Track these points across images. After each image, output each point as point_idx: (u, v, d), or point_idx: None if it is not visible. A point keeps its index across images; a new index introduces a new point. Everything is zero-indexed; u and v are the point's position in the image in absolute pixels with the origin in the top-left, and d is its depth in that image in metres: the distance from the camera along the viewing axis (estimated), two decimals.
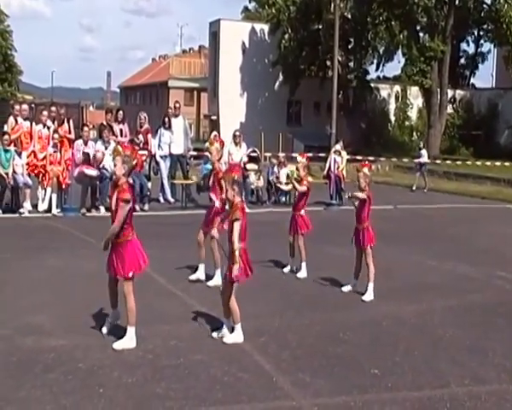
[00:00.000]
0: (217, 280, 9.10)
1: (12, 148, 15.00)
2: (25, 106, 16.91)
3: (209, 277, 9.32)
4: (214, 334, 7.05)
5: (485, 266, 11.28)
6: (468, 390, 5.86)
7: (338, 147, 19.99)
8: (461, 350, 6.91)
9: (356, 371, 6.22)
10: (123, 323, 6.81)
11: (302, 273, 9.90)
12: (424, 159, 24.76)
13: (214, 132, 19.14)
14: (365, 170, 9.03)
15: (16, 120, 16.03)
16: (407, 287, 9.60)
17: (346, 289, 9.13)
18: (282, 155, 22.46)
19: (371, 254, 8.97)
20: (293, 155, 23.44)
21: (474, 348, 6.99)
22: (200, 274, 9.45)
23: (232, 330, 7.01)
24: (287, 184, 13.35)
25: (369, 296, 8.79)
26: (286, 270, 10.17)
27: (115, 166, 6.63)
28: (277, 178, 18.84)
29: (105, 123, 17.21)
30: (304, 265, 9.92)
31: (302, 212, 10.08)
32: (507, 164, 28.41)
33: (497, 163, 28.89)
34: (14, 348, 6.42)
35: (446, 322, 7.89)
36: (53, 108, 16.98)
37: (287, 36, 39.33)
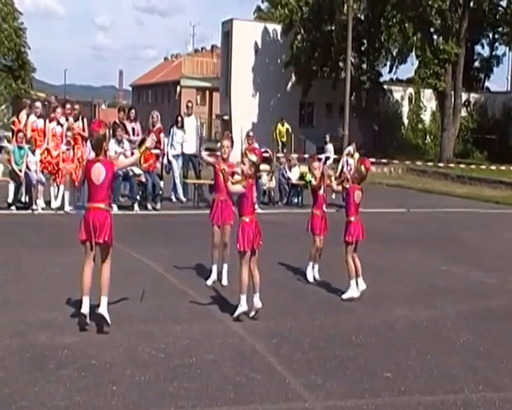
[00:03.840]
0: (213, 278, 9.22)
1: (26, 145, 15.07)
2: (38, 103, 16.97)
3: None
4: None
5: (498, 271, 11.22)
6: (482, 396, 5.82)
7: (350, 149, 19.94)
8: (474, 356, 6.87)
9: (368, 374, 6.20)
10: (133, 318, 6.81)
11: (317, 275, 9.85)
12: (329, 154, 23.27)
13: (226, 132, 19.10)
14: (362, 168, 9.03)
15: (27, 117, 16.13)
16: (420, 291, 9.56)
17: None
18: (294, 156, 22.38)
19: (349, 251, 8.86)
20: (306, 156, 23.43)
21: (488, 354, 6.94)
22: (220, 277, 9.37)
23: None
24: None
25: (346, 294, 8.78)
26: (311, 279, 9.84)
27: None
28: (289, 178, 18.92)
29: (118, 121, 17.25)
30: (317, 266, 9.89)
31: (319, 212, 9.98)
32: None
33: None
34: (28, 344, 6.44)
35: (460, 327, 7.85)
36: (68, 106, 17.02)
37: (299, 37, 39.35)
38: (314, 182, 9.89)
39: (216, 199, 9.23)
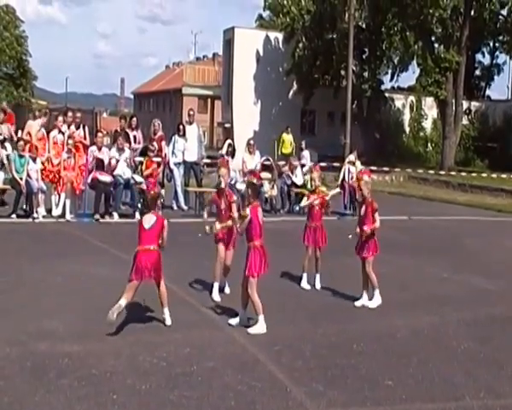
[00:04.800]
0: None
1: (27, 154, 15.08)
2: (42, 112, 17.09)
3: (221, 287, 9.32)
4: (231, 321, 7.65)
5: (499, 278, 11.21)
6: (483, 404, 5.81)
7: (352, 157, 19.90)
8: (475, 363, 6.86)
9: (370, 382, 6.19)
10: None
11: (318, 284, 9.86)
12: (305, 161, 22.08)
13: (228, 141, 19.12)
14: (365, 178, 9.07)
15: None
16: (421, 299, 9.56)
17: (359, 303, 9.03)
18: (295, 162, 22.20)
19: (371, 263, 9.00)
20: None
21: (489, 361, 6.93)
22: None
23: (247, 320, 7.62)
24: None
25: (373, 303, 8.88)
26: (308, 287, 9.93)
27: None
28: (294, 183, 19.02)
29: (119, 129, 17.28)
30: (318, 276, 9.89)
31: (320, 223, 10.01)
32: None
33: None
34: (28, 352, 6.43)
35: (461, 334, 7.85)
36: (69, 114, 17.05)
37: (301, 45, 39.40)
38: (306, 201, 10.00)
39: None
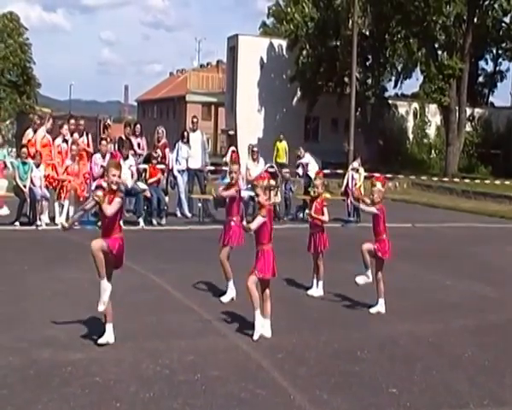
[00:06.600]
0: (230, 294, 9.14)
1: (30, 160, 15.10)
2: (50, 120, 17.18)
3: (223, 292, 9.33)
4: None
5: (502, 285, 11.19)
6: None
7: (355, 164, 19.90)
8: (479, 370, 6.83)
9: (373, 389, 6.17)
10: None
11: (319, 291, 9.84)
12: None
13: (232, 148, 19.13)
14: (379, 185, 9.05)
15: (35, 132, 16.30)
16: (424, 306, 9.53)
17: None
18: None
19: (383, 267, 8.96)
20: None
21: (493, 369, 6.90)
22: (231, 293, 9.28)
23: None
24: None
25: (375, 309, 8.87)
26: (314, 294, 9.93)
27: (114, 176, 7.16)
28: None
29: (124, 137, 17.29)
30: (321, 283, 9.87)
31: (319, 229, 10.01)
32: None
33: None
34: (30, 361, 6.41)
35: (464, 341, 7.82)
36: (72, 121, 17.07)
37: (305, 52, 39.49)
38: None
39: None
